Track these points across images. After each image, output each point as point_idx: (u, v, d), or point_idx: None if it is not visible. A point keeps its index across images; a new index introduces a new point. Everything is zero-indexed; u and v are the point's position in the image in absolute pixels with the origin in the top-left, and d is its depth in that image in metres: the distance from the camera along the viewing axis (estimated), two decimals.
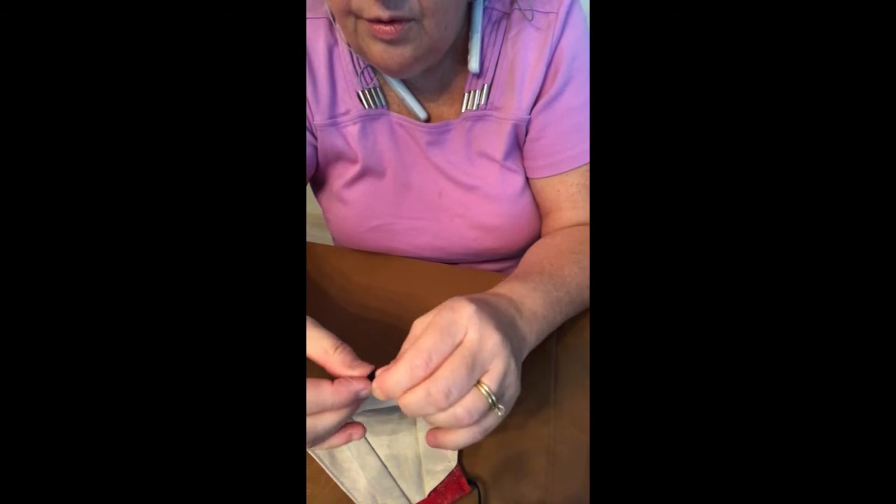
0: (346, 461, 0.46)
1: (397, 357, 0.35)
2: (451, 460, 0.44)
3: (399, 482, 0.44)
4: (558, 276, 0.48)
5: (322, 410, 0.35)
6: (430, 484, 0.44)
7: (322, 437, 0.36)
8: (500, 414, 0.36)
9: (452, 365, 0.34)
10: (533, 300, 0.44)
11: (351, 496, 0.44)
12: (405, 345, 0.37)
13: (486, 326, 0.35)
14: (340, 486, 0.45)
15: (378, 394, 0.35)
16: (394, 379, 0.34)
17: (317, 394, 0.34)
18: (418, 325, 0.37)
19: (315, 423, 0.35)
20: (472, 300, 0.37)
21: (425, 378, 0.34)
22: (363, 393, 0.36)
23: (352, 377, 0.36)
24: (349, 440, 0.38)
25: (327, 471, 0.45)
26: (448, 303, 0.36)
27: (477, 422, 0.35)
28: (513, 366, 0.36)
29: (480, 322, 0.35)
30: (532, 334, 0.43)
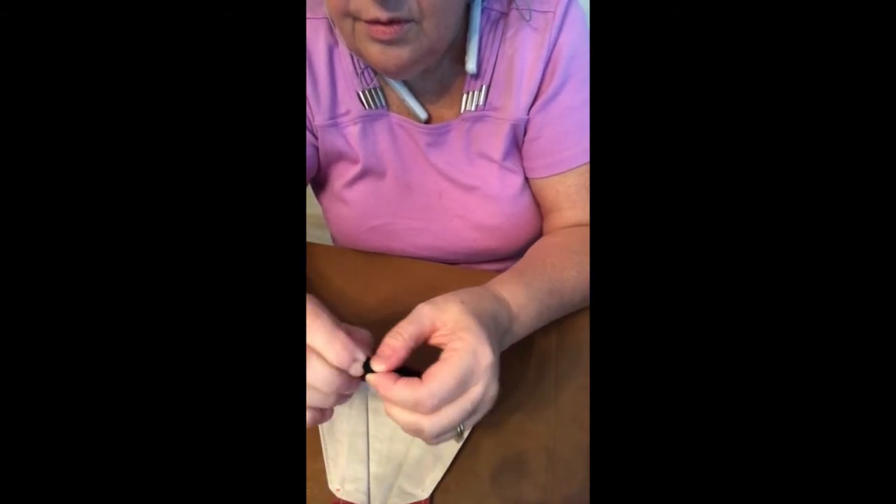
0: (341, 433, 0.47)
1: (395, 333, 0.37)
2: (425, 491, 0.44)
3: (370, 480, 0.45)
4: (557, 281, 0.50)
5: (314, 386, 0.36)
6: (394, 501, 0.44)
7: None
8: (457, 442, 0.41)
9: (453, 414, 0.36)
10: (528, 313, 0.46)
11: (327, 466, 0.45)
12: (406, 327, 0.38)
13: (494, 380, 0.37)
14: (324, 451, 0.46)
15: (371, 383, 0.36)
16: (395, 394, 0.35)
17: (312, 372, 0.35)
18: (425, 314, 0.38)
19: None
20: (484, 328, 0.38)
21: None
22: (355, 369, 0.36)
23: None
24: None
25: (321, 435, 0.46)
26: (473, 340, 0.37)
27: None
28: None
29: (493, 377, 0.37)
30: (509, 343, 0.45)
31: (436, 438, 0.37)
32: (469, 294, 0.41)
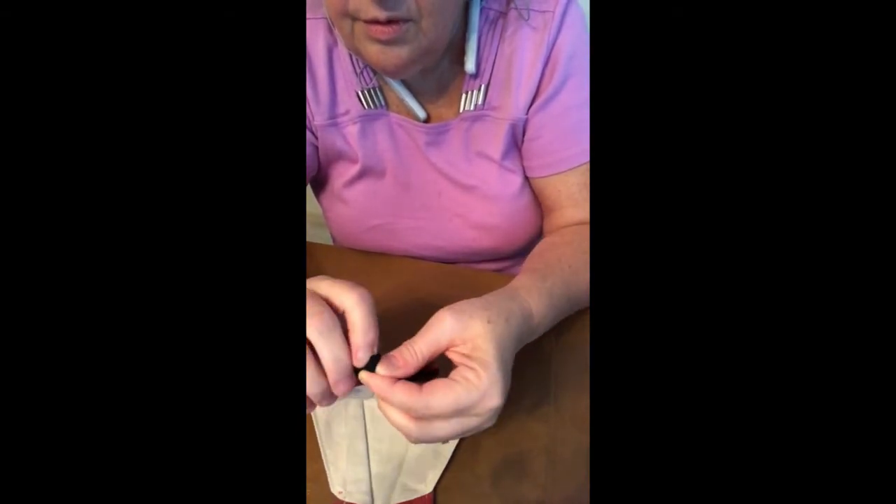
0: (339, 436, 0.47)
1: (412, 350, 0.37)
2: (427, 486, 0.44)
3: (372, 480, 0.45)
4: (574, 284, 0.49)
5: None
6: (397, 498, 0.44)
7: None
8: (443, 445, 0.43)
9: (443, 429, 0.36)
10: (546, 322, 0.46)
11: (328, 470, 0.45)
12: (424, 341, 0.37)
13: (492, 419, 0.37)
14: (323, 456, 0.45)
15: (364, 381, 0.36)
16: (391, 395, 0.35)
17: (324, 342, 0.35)
18: (446, 327, 0.37)
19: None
20: (502, 364, 0.37)
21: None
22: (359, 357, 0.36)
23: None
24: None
25: (319, 439, 0.46)
26: (487, 380, 0.36)
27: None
28: None
29: (492, 417, 0.37)
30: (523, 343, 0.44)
31: (420, 442, 0.37)
32: (497, 311, 0.39)
